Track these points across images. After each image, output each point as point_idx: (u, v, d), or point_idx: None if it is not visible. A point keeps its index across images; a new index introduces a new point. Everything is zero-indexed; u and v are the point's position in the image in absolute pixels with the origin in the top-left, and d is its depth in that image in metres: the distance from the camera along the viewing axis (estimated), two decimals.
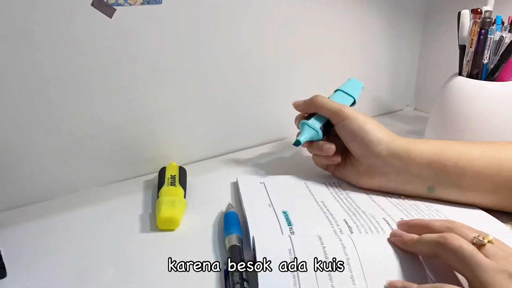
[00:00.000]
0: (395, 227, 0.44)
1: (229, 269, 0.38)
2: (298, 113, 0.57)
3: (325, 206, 0.49)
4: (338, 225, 0.45)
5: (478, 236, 0.34)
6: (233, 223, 0.45)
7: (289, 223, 0.45)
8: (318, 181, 0.56)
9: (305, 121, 0.54)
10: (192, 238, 0.45)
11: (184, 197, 0.51)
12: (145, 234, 0.46)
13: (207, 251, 0.43)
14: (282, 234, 0.43)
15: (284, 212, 0.47)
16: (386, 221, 0.45)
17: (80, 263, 0.41)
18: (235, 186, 0.55)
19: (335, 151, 0.53)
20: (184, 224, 0.47)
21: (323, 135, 0.54)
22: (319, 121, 0.54)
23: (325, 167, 0.57)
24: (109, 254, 0.43)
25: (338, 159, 0.54)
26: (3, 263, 0.39)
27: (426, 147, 0.48)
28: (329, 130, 0.54)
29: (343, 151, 0.54)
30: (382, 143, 0.49)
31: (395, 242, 0.39)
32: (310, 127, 0.54)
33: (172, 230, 0.46)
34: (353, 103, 0.57)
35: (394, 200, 0.50)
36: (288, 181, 0.56)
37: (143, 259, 0.42)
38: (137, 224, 0.48)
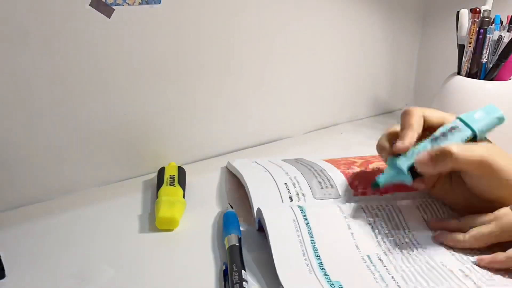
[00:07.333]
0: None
1: (228, 269, 0.38)
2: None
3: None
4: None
5: None
6: (232, 223, 0.45)
7: (321, 266, 0.38)
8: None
9: (394, 158, 0.43)
10: (191, 238, 0.45)
11: (183, 197, 0.51)
12: (144, 234, 0.46)
13: (206, 251, 0.43)
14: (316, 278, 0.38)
15: (314, 247, 0.41)
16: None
17: (79, 263, 0.41)
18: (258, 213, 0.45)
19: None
20: (183, 224, 0.47)
21: (414, 178, 0.43)
22: (410, 159, 0.42)
23: None
24: (108, 254, 0.43)
25: (422, 186, 0.45)
26: (2, 264, 0.39)
27: None
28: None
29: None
30: None
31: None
32: (399, 168, 0.43)
33: (171, 230, 0.46)
34: (474, 138, 0.43)
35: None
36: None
37: (142, 259, 0.42)
38: (136, 224, 0.48)
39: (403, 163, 0.42)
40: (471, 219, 0.42)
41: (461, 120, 0.43)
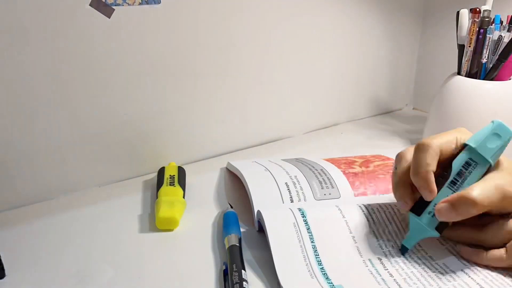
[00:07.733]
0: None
1: (228, 269, 0.38)
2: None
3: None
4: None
5: None
6: (232, 223, 0.45)
7: (322, 270, 0.38)
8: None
9: (416, 217, 0.40)
10: (191, 238, 0.45)
11: (183, 197, 0.51)
12: (144, 234, 0.46)
13: (206, 251, 0.43)
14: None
15: (317, 258, 0.40)
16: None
17: (80, 263, 0.41)
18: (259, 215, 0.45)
19: None
20: (183, 224, 0.47)
21: (441, 230, 0.39)
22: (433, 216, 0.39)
23: None
24: (108, 254, 0.43)
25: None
26: (2, 264, 0.39)
27: None
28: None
29: None
30: None
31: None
32: (424, 227, 0.39)
33: (171, 230, 0.46)
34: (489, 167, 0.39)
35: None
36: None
37: (142, 259, 0.42)
38: (136, 224, 0.48)
39: (429, 223, 0.39)
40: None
41: (473, 150, 0.39)
